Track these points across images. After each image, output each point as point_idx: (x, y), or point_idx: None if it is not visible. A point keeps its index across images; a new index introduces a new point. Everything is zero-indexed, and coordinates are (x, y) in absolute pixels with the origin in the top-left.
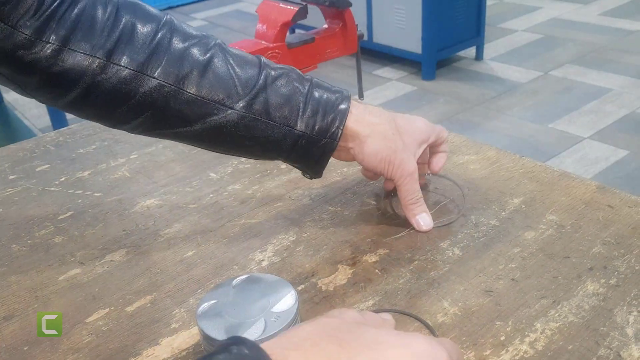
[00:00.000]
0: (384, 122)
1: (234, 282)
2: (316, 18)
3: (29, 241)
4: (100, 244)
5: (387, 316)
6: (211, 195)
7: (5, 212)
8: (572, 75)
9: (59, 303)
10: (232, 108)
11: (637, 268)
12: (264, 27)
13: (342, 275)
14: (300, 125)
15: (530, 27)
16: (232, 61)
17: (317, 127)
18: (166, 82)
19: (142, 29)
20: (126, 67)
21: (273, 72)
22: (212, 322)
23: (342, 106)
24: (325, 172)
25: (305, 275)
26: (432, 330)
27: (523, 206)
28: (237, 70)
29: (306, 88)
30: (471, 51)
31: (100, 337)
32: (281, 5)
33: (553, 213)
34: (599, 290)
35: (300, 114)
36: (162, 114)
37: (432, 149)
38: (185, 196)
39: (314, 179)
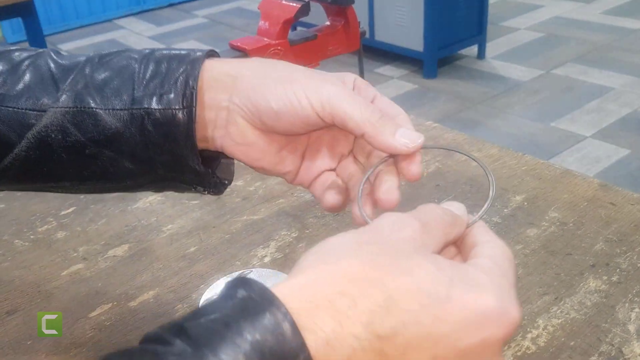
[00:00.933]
0: (259, 59)
1: (237, 276)
2: (318, 15)
3: (31, 236)
4: (102, 239)
5: (459, 208)
6: None
7: (8, 208)
8: (574, 74)
9: (62, 298)
10: (48, 107)
11: (639, 265)
12: (266, 24)
13: None
14: (138, 101)
15: (532, 25)
16: (56, 57)
17: (160, 95)
18: None
19: None
20: None
21: (103, 53)
22: None
23: (193, 56)
24: None
25: None
26: None
27: (525, 203)
28: (60, 62)
29: (143, 54)
30: (473, 49)
31: (103, 332)
32: (283, 2)
33: (555, 210)
34: (601, 287)
35: (136, 86)
36: None
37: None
38: None
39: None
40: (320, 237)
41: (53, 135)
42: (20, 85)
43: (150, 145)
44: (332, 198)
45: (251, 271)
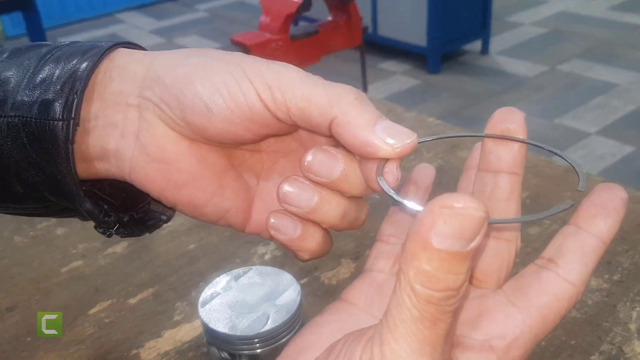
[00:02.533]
0: (181, 50)
1: (237, 274)
2: (320, 10)
3: (31, 233)
4: (102, 236)
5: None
6: None
7: None
8: (579, 70)
9: (61, 295)
10: None
11: None
12: (268, 18)
13: (345, 269)
14: (17, 103)
15: (537, 20)
16: None
17: (40, 102)
18: None
19: None
20: None
21: (20, 46)
22: (214, 314)
23: (91, 52)
24: None
25: (308, 269)
26: None
27: (527, 201)
28: None
29: (56, 46)
30: (477, 45)
31: (103, 329)
32: None
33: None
34: (603, 286)
35: (23, 87)
36: None
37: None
38: None
39: None
40: None
41: None
42: None
43: (31, 166)
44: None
45: (251, 269)
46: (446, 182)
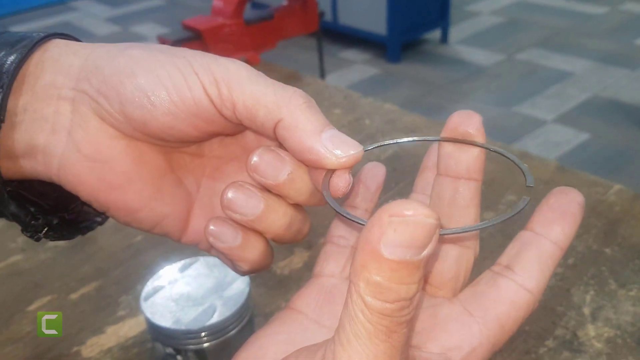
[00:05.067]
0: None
1: (182, 266)
2: None
3: None
4: None
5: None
6: None
7: None
8: (535, 59)
9: None
10: None
11: (594, 248)
12: (221, 3)
13: (298, 259)
14: None
15: (495, 10)
16: None
17: None
18: None
19: None
20: None
21: None
22: (158, 308)
23: (32, 36)
24: None
25: None
26: None
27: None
28: None
29: None
30: (436, 34)
31: None
32: None
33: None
34: (557, 270)
35: None
36: None
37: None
38: None
39: None
40: None
41: None
42: None
43: None
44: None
45: (198, 260)
46: (401, 168)
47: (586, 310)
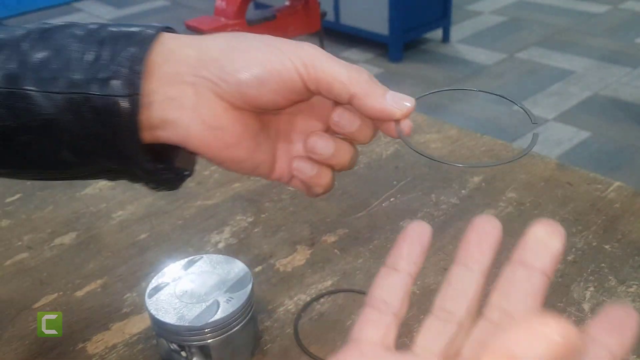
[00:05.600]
0: (231, 33)
1: (187, 263)
2: None
3: None
4: (49, 227)
5: None
6: None
7: None
8: (536, 58)
9: (5, 289)
10: None
11: (594, 244)
12: (224, 3)
13: (301, 255)
14: (76, 85)
15: (496, 9)
16: None
17: (102, 80)
18: None
19: None
20: None
21: (45, 26)
22: (162, 305)
23: (146, 33)
24: None
25: (263, 256)
26: None
27: (483, 184)
28: None
29: (89, 29)
30: (438, 33)
31: None
32: None
33: (513, 191)
34: (557, 267)
35: (75, 66)
36: None
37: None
38: None
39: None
40: (276, 221)
41: None
42: None
43: (91, 137)
44: (300, 166)
45: (202, 257)
46: (402, 167)
47: (586, 307)
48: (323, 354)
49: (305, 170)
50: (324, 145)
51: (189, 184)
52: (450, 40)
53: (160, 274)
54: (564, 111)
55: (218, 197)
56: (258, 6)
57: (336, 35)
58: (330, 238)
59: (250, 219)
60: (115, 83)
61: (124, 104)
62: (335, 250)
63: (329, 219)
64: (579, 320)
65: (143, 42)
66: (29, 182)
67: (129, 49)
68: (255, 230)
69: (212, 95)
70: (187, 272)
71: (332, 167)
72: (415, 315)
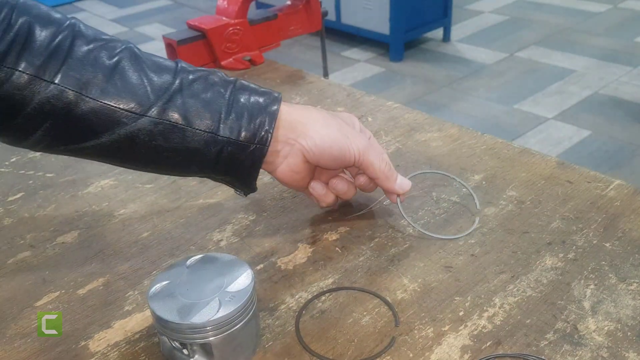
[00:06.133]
0: (318, 111)
1: (188, 262)
2: None
3: None
4: (51, 225)
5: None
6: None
7: None
8: (537, 57)
9: (8, 287)
10: (144, 115)
11: (594, 242)
12: (225, 2)
13: (302, 253)
14: (224, 131)
15: (496, 8)
16: (143, 65)
17: (243, 132)
18: (66, 87)
19: (41, 31)
20: (20, 71)
21: (191, 76)
22: (164, 303)
23: (272, 108)
24: None
25: (265, 254)
26: (391, 307)
27: (484, 182)
28: (149, 74)
29: (229, 91)
30: (439, 32)
31: None
32: None
33: (513, 189)
34: (557, 265)
35: (224, 118)
36: (65, 124)
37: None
38: (141, 176)
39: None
40: (277, 220)
41: (141, 137)
42: (117, 86)
43: (219, 164)
44: (337, 184)
45: (204, 256)
46: (404, 165)
47: (586, 304)
48: (324, 351)
49: (319, 190)
50: (341, 186)
51: (191, 182)
52: (451, 39)
53: (162, 272)
54: (564, 110)
55: (220, 196)
56: (259, 6)
57: (337, 35)
58: (332, 236)
59: (252, 217)
60: (249, 135)
61: (254, 148)
62: (337, 248)
63: (330, 218)
64: (580, 318)
65: (271, 116)
66: (30, 181)
67: (262, 115)
68: (257, 228)
69: (300, 154)
70: (189, 270)
71: (338, 196)
72: (416, 313)
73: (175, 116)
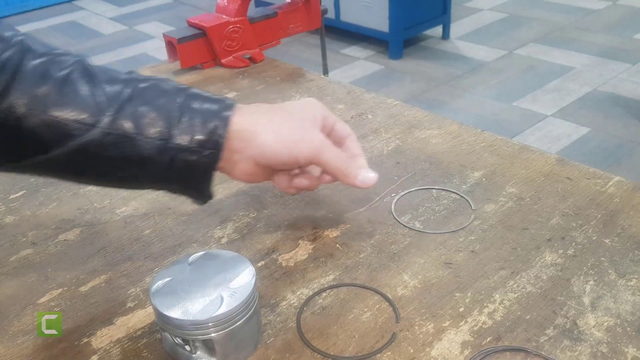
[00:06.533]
0: (272, 114)
1: (190, 258)
2: None
3: None
4: (53, 223)
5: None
6: None
7: None
8: (536, 54)
9: (10, 284)
10: (94, 126)
11: (594, 238)
12: (225, 1)
13: (303, 250)
14: (176, 137)
15: (495, 5)
16: (94, 77)
17: (196, 137)
18: (16, 102)
19: None
20: None
21: (141, 84)
22: (166, 299)
23: (225, 114)
24: None
25: (266, 251)
26: (391, 303)
27: (484, 179)
28: (101, 85)
29: (181, 98)
30: (438, 30)
31: None
32: None
33: (513, 186)
34: (557, 261)
35: (176, 124)
36: (14, 140)
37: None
38: None
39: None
40: (278, 216)
41: (92, 148)
42: (67, 98)
43: (171, 172)
44: (300, 182)
45: (205, 252)
46: (404, 162)
47: (586, 300)
48: (325, 347)
49: (280, 183)
50: (304, 183)
51: None
52: (450, 37)
53: (164, 268)
54: (563, 107)
55: (221, 193)
56: (258, 4)
57: (337, 33)
58: (333, 233)
59: (253, 215)
60: (202, 139)
61: (206, 154)
62: (337, 245)
63: (331, 215)
64: (580, 313)
65: (224, 121)
66: (32, 179)
67: (214, 122)
68: (258, 225)
69: (251, 160)
70: (191, 267)
71: (299, 189)
72: (416, 309)
73: (126, 125)
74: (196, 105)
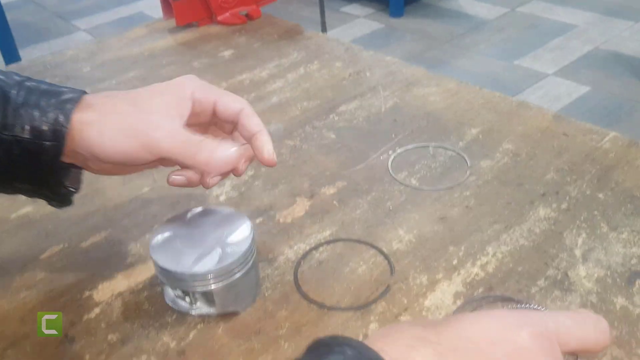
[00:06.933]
0: (119, 102)
1: (189, 214)
2: None
3: None
4: None
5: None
6: None
7: None
8: (538, 12)
9: (11, 241)
10: None
11: (588, 193)
12: None
13: (300, 207)
14: (10, 129)
15: None
16: None
17: (31, 127)
18: None
19: None
20: None
21: None
22: (166, 253)
23: (67, 97)
24: (285, 106)
25: (264, 208)
26: (386, 257)
27: (480, 136)
28: None
29: (16, 86)
30: None
31: (55, 273)
32: None
33: (509, 142)
34: (550, 215)
35: (10, 115)
36: None
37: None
38: None
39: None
40: (276, 174)
41: None
42: None
43: (13, 167)
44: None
45: (204, 209)
46: (401, 120)
47: (577, 252)
48: (322, 299)
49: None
50: (178, 180)
51: None
52: None
53: (164, 224)
54: (564, 66)
55: None
56: None
57: None
58: (329, 190)
59: (250, 173)
60: (43, 129)
61: (49, 147)
62: (334, 202)
63: (328, 172)
64: (571, 265)
65: (67, 109)
66: None
67: (57, 108)
68: (256, 183)
69: (92, 154)
70: (190, 223)
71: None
72: (411, 262)
73: None
74: (33, 90)
